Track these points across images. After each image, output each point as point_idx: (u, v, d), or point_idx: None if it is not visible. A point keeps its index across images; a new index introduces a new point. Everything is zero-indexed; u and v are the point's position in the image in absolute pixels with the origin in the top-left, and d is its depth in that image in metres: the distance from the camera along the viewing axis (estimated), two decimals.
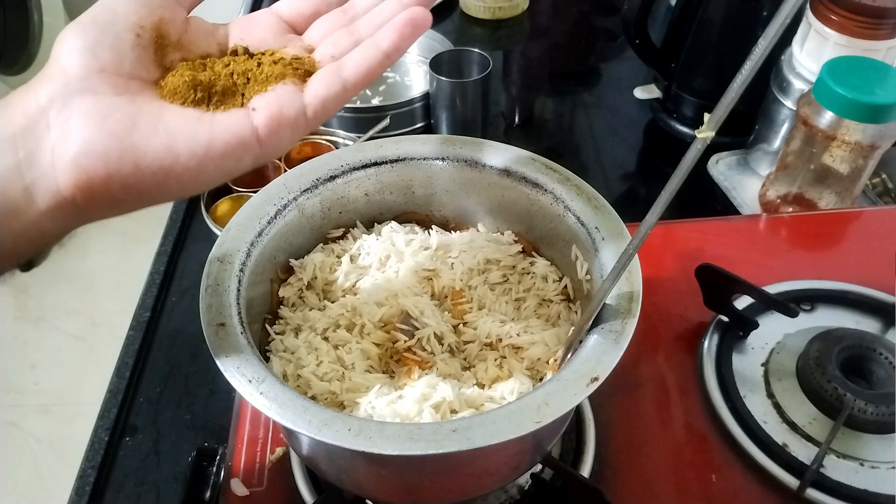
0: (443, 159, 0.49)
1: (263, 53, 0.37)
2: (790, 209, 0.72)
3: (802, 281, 0.61)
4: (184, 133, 0.32)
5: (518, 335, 0.45)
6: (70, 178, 0.30)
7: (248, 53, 0.37)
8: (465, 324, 0.47)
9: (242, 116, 0.33)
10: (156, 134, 0.32)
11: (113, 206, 0.32)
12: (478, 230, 0.52)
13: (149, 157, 0.31)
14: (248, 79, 0.35)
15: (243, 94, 0.35)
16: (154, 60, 0.34)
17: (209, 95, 0.34)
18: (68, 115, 0.31)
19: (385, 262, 0.49)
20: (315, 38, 0.38)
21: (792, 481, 0.48)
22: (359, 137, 0.81)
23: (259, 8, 1.03)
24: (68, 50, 0.32)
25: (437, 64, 0.82)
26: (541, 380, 0.43)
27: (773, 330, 0.57)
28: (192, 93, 0.34)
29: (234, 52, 0.37)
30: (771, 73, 0.75)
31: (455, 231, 0.52)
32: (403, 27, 0.34)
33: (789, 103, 0.73)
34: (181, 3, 0.36)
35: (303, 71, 0.36)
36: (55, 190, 0.31)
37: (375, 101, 0.90)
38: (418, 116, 0.87)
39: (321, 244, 0.50)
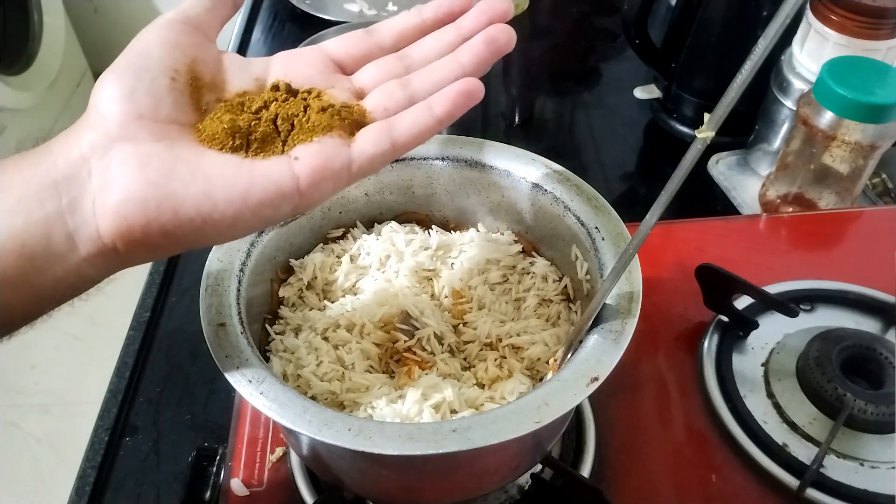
0: (443, 159, 0.49)
1: (310, 93, 0.35)
2: (790, 209, 0.72)
3: (802, 281, 0.61)
4: (222, 181, 0.32)
5: (518, 335, 0.45)
6: (111, 225, 0.31)
7: (291, 91, 0.35)
8: (465, 324, 0.47)
9: (283, 165, 0.33)
10: (194, 181, 0.31)
11: (152, 252, 0.32)
12: (478, 230, 0.52)
13: (187, 203, 0.31)
14: (293, 125, 0.34)
15: (284, 142, 0.34)
16: (190, 103, 0.34)
17: (248, 142, 0.33)
18: (108, 163, 0.31)
19: (385, 262, 0.49)
20: (365, 81, 0.37)
21: (792, 481, 0.48)
22: None
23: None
24: (106, 98, 0.32)
25: None
26: (541, 380, 0.43)
27: (773, 330, 0.57)
28: (231, 139, 0.33)
29: (276, 88, 0.35)
30: (771, 73, 0.75)
31: (455, 231, 0.52)
32: (458, 97, 0.34)
33: (789, 103, 0.73)
34: (209, 37, 0.35)
35: (351, 122, 0.34)
36: (96, 237, 0.31)
37: None
38: None
39: (321, 244, 0.50)
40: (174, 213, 0.31)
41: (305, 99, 0.35)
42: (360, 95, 0.36)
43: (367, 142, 0.34)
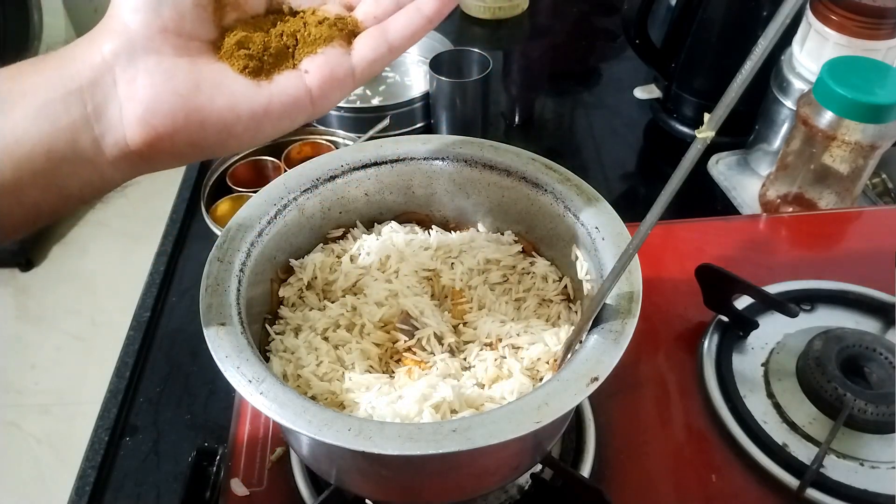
0: (443, 159, 0.49)
1: (305, 12, 0.38)
2: (790, 209, 0.72)
3: (802, 281, 0.61)
4: (244, 96, 0.34)
5: (518, 335, 0.45)
6: (138, 134, 0.32)
7: (292, 12, 0.38)
8: (465, 324, 0.47)
9: (296, 79, 0.35)
10: (219, 95, 0.34)
11: (176, 159, 0.34)
12: (478, 230, 0.52)
13: (213, 117, 0.33)
14: (297, 40, 0.37)
15: (293, 56, 0.36)
16: (213, 21, 0.35)
17: (263, 59, 0.36)
18: (134, 74, 0.32)
19: (385, 262, 0.49)
20: None
21: (792, 481, 0.48)
22: (359, 137, 0.81)
23: None
24: (131, 7, 0.33)
25: (437, 64, 0.82)
26: (541, 380, 0.43)
27: (773, 330, 0.57)
28: (249, 59, 0.35)
29: (279, 10, 0.38)
30: (771, 73, 0.75)
31: (455, 231, 0.52)
32: None
33: (789, 103, 0.73)
34: None
35: (347, 31, 0.37)
36: (123, 144, 0.32)
37: (375, 101, 0.90)
38: (418, 116, 0.87)
39: (321, 244, 0.50)
40: (201, 125, 0.33)
41: (303, 16, 0.38)
42: (350, 8, 0.39)
43: (365, 48, 0.36)
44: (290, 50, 0.37)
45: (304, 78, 0.35)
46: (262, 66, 0.36)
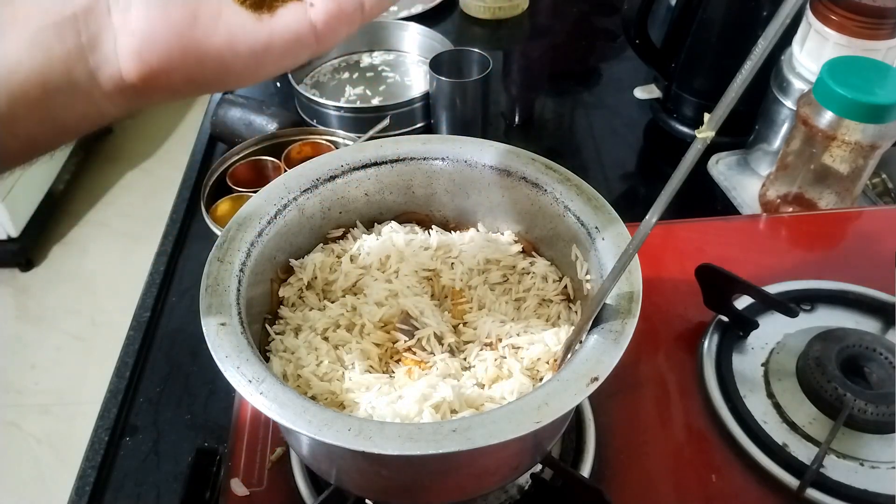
0: (443, 159, 0.49)
1: None
2: (790, 209, 0.72)
3: (802, 281, 0.61)
4: (243, 31, 0.32)
5: (518, 335, 0.45)
6: (133, 68, 0.31)
7: None
8: (465, 324, 0.47)
9: (301, 13, 0.33)
10: (216, 31, 0.32)
11: (172, 94, 0.33)
12: (478, 230, 0.52)
13: (210, 53, 0.32)
14: None
15: None
16: None
17: None
18: (128, 3, 0.31)
19: (385, 262, 0.49)
20: None
21: (792, 481, 0.48)
22: (359, 137, 0.81)
23: None
24: None
25: (437, 64, 0.82)
26: (540, 380, 0.43)
27: (773, 330, 0.57)
28: None
29: None
30: (771, 73, 0.75)
31: (455, 231, 0.52)
32: None
33: (789, 103, 0.73)
34: None
35: None
36: (118, 77, 0.31)
37: (375, 101, 0.90)
38: (418, 116, 0.87)
39: (321, 244, 0.50)
40: (198, 61, 0.32)
41: None
42: None
43: None
44: None
45: (310, 12, 0.33)
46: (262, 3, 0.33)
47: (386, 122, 0.83)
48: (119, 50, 0.31)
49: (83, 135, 0.33)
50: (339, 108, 0.84)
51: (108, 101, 0.32)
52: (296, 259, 0.48)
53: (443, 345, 0.45)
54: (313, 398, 0.42)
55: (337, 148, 0.78)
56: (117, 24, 0.31)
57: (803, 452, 0.50)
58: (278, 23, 0.33)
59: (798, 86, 0.72)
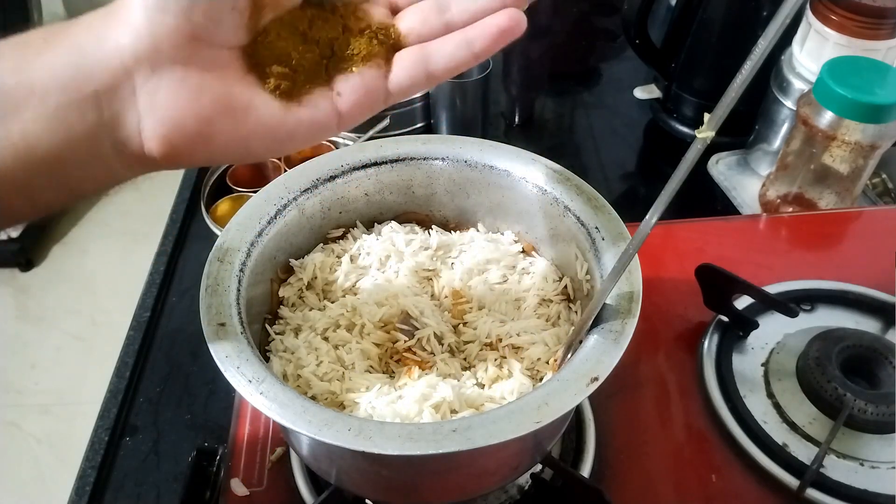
0: (443, 159, 0.49)
1: (346, 11, 0.34)
2: (790, 209, 0.72)
3: (802, 281, 0.61)
4: (273, 119, 0.32)
5: (518, 335, 0.45)
6: (158, 148, 0.31)
7: (332, 8, 0.34)
8: (465, 324, 0.47)
9: (328, 101, 0.33)
10: (246, 121, 0.32)
11: (192, 165, 0.35)
12: (478, 230, 0.52)
13: (236, 140, 0.32)
14: (333, 51, 0.34)
15: (327, 70, 0.34)
16: (247, 25, 0.32)
17: (297, 77, 0.33)
18: (156, 86, 0.30)
19: (385, 262, 0.49)
20: (399, 1, 0.36)
21: (792, 481, 0.48)
22: (359, 137, 0.81)
23: None
24: (157, 7, 0.29)
25: None
26: (541, 380, 0.43)
27: (773, 330, 0.57)
28: (282, 78, 0.33)
29: (318, 4, 0.34)
30: (771, 73, 0.75)
31: (455, 231, 0.52)
32: (499, 34, 0.33)
33: (789, 103, 0.73)
34: None
35: (388, 46, 0.34)
36: (139, 153, 0.31)
37: None
38: (418, 116, 0.87)
39: (321, 244, 0.50)
40: (222, 146, 0.32)
41: (343, 18, 0.34)
42: (395, 10, 0.36)
43: (402, 72, 0.34)
44: (325, 62, 0.34)
45: (336, 101, 0.33)
46: (294, 86, 0.33)
47: (386, 122, 0.83)
48: (143, 130, 0.31)
49: (93, 196, 0.35)
50: None
51: (127, 170, 0.33)
52: (296, 259, 0.48)
53: (443, 345, 0.45)
54: (313, 398, 0.42)
55: (337, 148, 0.78)
56: (143, 107, 0.30)
57: (803, 452, 0.50)
58: (306, 113, 0.33)
59: (798, 86, 0.72)
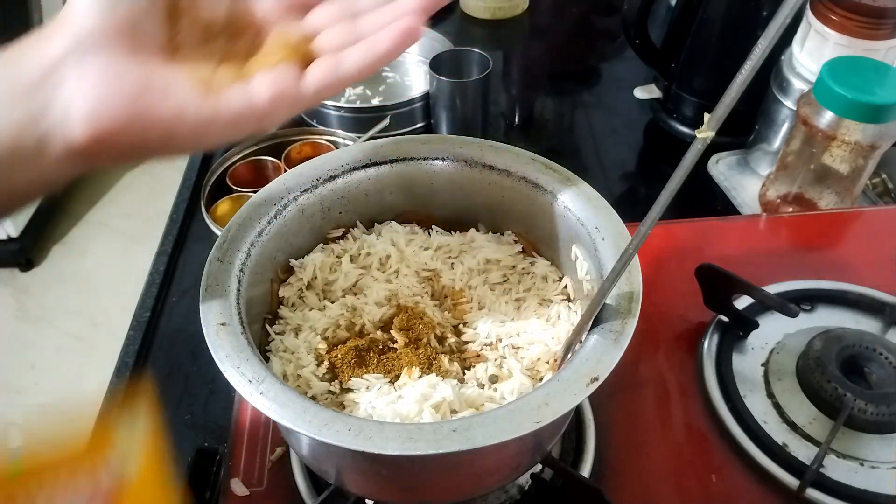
0: (443, 159, 0.49)
1: (272, 27, 0.38)
2: (790, 209, 0.72)
3: (802, 281, 0.61)
4: (192, 103, 0.34)
5: (518, 335, 0.45)
6: (82, 132, 0.32)
7: (256, 31, 0.38)
8: (465, 324, 0.47)
9: (245, 94, 0.35)
10: (166, 100, 0.33)
11: (117, 158, 0.35)
12: (478, 230, 0.52)
13: (157, 120, 0.33)
14: (250, 50, 0.37)
15: (244, 65, 0.37)
16: (165, 24, 0.35)
17: (215, 70, 0.36)
18: (83, 72, 0.32)
19: (385, 262, 0.49)
20: (317, 23, 0.40)
21: (792, 481, 0.48)
22: (359, 137, 0.81)
23: None
24: (85, 7, 0.33)
25: (437, 64, 0.82)
26: (541, 380, 0.43)
27: (773, 330, 0.57)
28: (203, 66, 0.36)
29: (241, 28, 0.38)
30: (771, 72, 0.75)
31: (455, 231, 0.52)
32: (399, 36, 0.36)
33: (789, 103, 0.73)
34: None
35: (304, 54, 0.37)
36: (65, 142, 0.32)
37: (375, 101, 0.90)
38: (418, 116, 0.87)
39: (321, 244, 0.50)
40: (145, 128, 0.33)
41: (266, 33, 0.38)
42: (312, 36, 0.39)
43: (317, 72, 0.37)
44: (244, 60, 0.37)
45: (253, 93, 0.35)
46: (212, 77, 0.36)
47: (386, 122, 0.83)
48: (68, 115, 0.32)
49: (30, 202, 0.35)
50: (339, 108, 0.84)
51: (55, 166, 0.33)
52: (296, 259, 0.48)
53: (443, 345, 0.45)
54: (313, 398, 0.42)
55: (337, 148, 0.78)
56: (69, 92, 0.32)
57: (803, 452, 0.50)
58: (224, 100, 0.35)
59: (798, 86, 0.72)
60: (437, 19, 1.09)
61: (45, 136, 0.32)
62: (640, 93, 0.92)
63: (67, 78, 0.32)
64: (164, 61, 0.35)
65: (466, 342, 0.46)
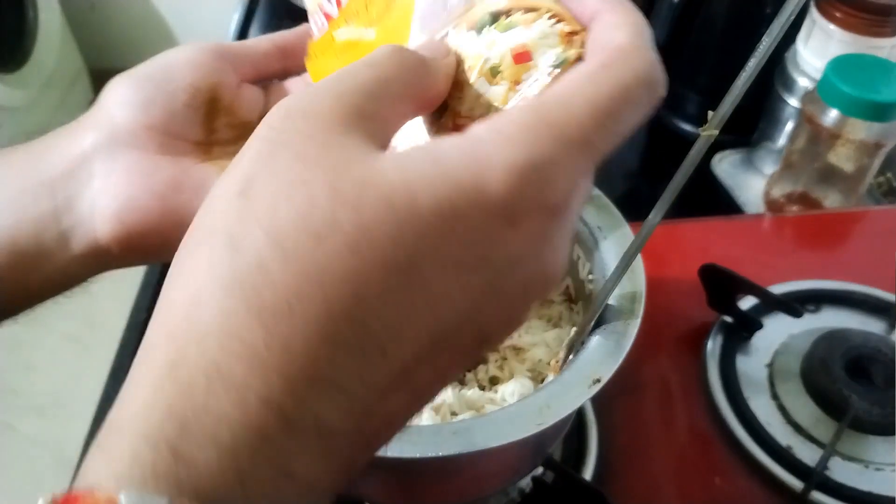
0: None
1: None
2: (794, 208, 0.71)
3: (807, 281, 0.60)
4: None
5: (519, 336, 0.44)
6: (109, 230, 0.31)
7: None
8: None
9: None
10: (198, 200, 0.32)
11: (145, 256, 0.33)
12: None
13: (189, 219, 0.32)
14: None
15: None
16: (202, 123, 0.33)
17: None
18: (112, 168, 0.31)
19: None
20: None
21: (796, 483, 0.47)
22: None
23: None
24: (119, 102, 0.31)
25: None
26: (542, 381, 0.43)
27: (777, 331, 0.57)
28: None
29: None
30: (775, 70, 0.75)
31: None
32: None
33: (793, 101, 0.72)
34: (237, 72, 0.35)
35: None
36: (91, 238, 0.31)
37: None
38: None
39: None
40: (174, 227, 0.31)
41: None
42: None
43: None
44: None
45: None
46: None
47: None
48: (96, 211, 0.30)
49: (48, 299, 0.33)
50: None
51: (77, 263, 0.31)
52: None
53: None
54: None
55: None
56: (97, 188, 0.30)
57: (808, 454, 0.49)
58: None
59: (802, 83, 0.71)
60: None
61: (68, 232, 0.30)
62: None
63: (96, 173, 0.31)
64: (198, 160, 0.33)
65: None
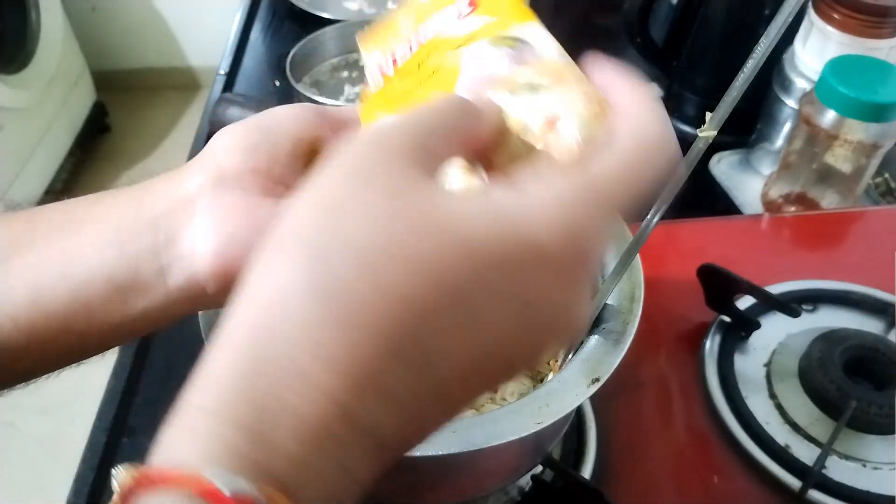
0: None
1: None
2: (792, 209, 0.72)
3: (805, 281, 0.60)
4: None
5: None
6: (208, 264, 0.31)
7: None
8: None
9: None
10: None
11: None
12: None
13: None
14: None
15: None
16: (302, 170, 0.35)
17: None
18: (216, 206, 0.31)
19: None
20: None
21: (794, 482, 0.48)
22: None
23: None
24: (227, 146, 0.33)
25: None
26: (541, 381, 0.43)
27: (775, 330, 0.57)
28: None
29: None
30: (773, 71, 0.75)
31: None
32: None
33: (791, 102, 0.73)
34: (333, 128, 0.36)
35: None
36: (189, 273, 0.31)
37: None
38: None
39: None
40: None
41: None
42: None
43: None
44: None
45: None
46: None
47: None
48: (196, 247, 0.31)
49: (135, 337, 0.33)
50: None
51: (172, 301, 0.31)
52: None
53: None
54: None
55: None
56: (199, 224, 0.31)
57: (805, 453, 0.49)
58: None
59: (800, 84, 0.71)
60: None
61: (166, 268, 0.31)
62: None
63: (199, 211, 0.31)
64: None
65: None
